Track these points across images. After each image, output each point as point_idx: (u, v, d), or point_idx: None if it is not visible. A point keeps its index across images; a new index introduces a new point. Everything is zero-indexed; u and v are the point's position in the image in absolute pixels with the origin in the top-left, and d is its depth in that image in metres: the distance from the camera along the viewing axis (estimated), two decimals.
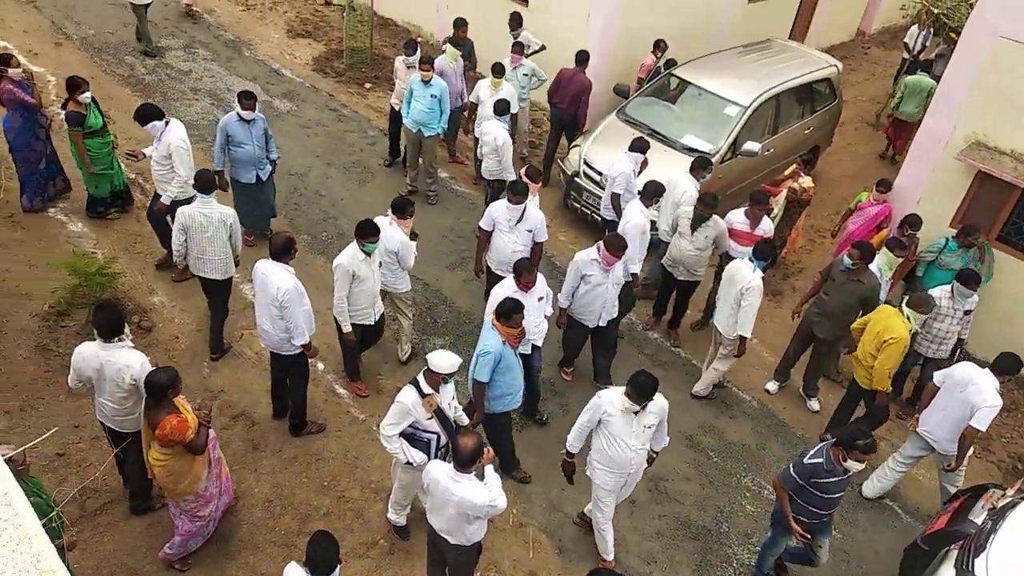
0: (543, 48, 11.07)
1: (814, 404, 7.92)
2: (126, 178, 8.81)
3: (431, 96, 9.18)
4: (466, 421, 5.71)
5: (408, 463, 5.31)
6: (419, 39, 13.82)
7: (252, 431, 6.69)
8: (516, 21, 10.86)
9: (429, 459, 5.26)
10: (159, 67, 11.79)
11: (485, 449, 4.70)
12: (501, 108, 8.82)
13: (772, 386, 8.04)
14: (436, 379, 5.18)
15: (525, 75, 10.24)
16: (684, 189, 8.06)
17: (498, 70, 9.34)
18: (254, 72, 12.18)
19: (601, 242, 6.71)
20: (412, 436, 5.32)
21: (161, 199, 7.45)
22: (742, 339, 7.06)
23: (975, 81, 8.05)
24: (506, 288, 6.26)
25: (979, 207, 8.39)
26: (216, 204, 6.63)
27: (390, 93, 12.11)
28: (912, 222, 8.07)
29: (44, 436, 4.34)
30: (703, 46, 11.76)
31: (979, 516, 5.72)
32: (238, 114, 7.80)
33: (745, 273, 6.95)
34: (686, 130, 9.83)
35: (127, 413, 5.29)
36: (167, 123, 7.31)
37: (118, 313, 5.24)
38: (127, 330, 5.22)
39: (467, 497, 4.53)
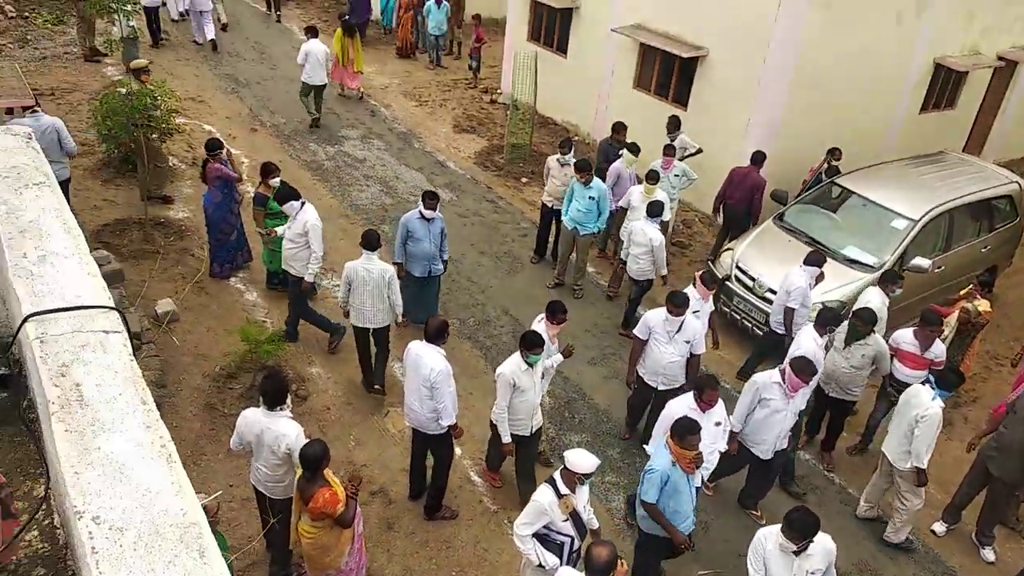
0: (699, 151, 11.15)
1: (988, 554, 7.08)
2: None
3: (589, 198, 9.39)
4: (596, 525, 5.58)
5: (540, 565, 5.19)
6: (575, 138, 14.34)
7: (388, 509, 6.82)
8: (674, 124, 11.05)
9: (561, 563, 5.14)
10: (338, 154, 12.87)
11: (620, 561, 4.53)
12: (655, 210, 8.89)
13: (940, 528, 7.29)
14: (573, 479, 5.11)
15: (676, 176, 10.33)
16: (868, 299, 7.71)
17: (652, 177, 9.47)
18: (421, 163, 13.02)
19: (788, 365, 6.31)
20: (545, 537, 5.21)
21: (305, 279, 8.02)
22: (919, 471, 6.47)
23: None
24: (683, 405, 6.07)
25: None
26: (377, 260, 7.38)
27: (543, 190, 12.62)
28: None
29: (212, 496, 4.61)
30: (869, 156, 11.43)
31: None
32: (420, 212, 8.19)
33: (924, 399, 6.43)
34: (848, 241, 9.46)
35: (279, 480, 5.50)
36: (302, 204, 7.94)
37: (283, 383, 5.53)
38: (289, 400, 5.54)
39: None
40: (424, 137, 14.02)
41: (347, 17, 15.21)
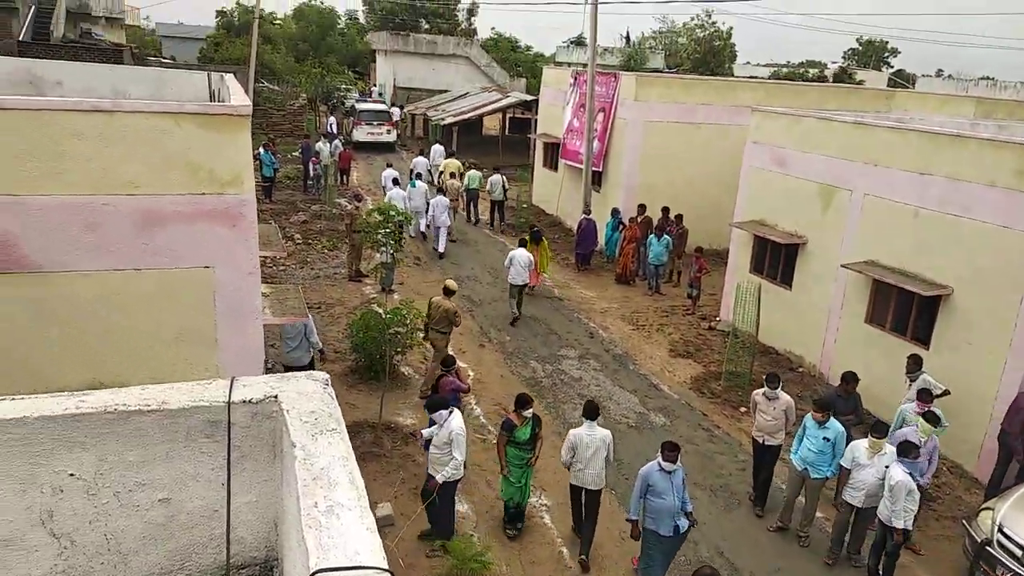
0: (946, 393, 10.19)
1: None
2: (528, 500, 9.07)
3: (824, 439, 8.78)
4: None
5: None
6: (800, 369, 13.78)
7: None
8: (915, 363, 10.33)
9: None
10: (555, 372, 13.38)
11: None
12: (905, 449, 8.10)
13: None
14: None
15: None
16: None
17: (879, 430, 8.55)
18: (635, 385, 13.12)
19: None
20: None
21: (436, 478, 8.26)
22: None
23: None
24: None
25: None
26: (598, 427, 8.43)
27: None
28: None
29: None
30: None
31: None
32: (659, 464, 7.69)
33: None
34: None
35: None
36: (451, 412, 8.27)
37: None
38: None
39: None
40: (639, 360, 14.22)
41: (534, 228, 17.79)
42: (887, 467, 8.14)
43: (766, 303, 13.47)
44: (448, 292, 12.42)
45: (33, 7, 27.94)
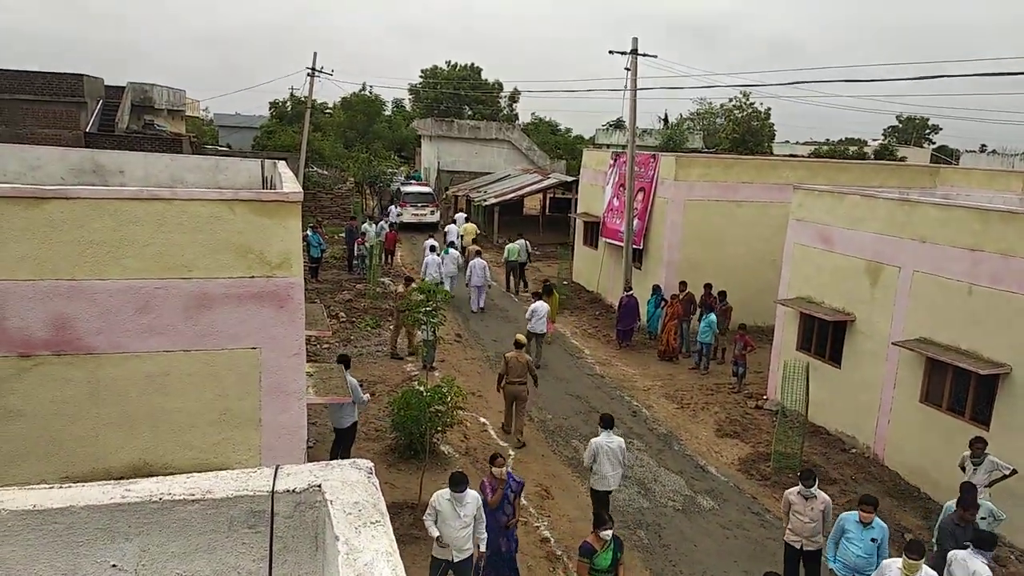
0: (1014, 472, 9.72)
1: None
2: None
3: (872, 540, 8.19)
4: None
5: None
6: (853, 451, 13.29)
7: None
8: (981, 445, 9.92)
9: None
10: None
11: None
12: (985, 541, 7.66)
13: None
14: None
15: (982, 518, 8.91)
16: None
17: (914, 550, 7.29)
18: (681, 466, 12.76)
19: None
20: None
21: (480, 548, 8.30)
22: None
23: None
24: None
25: None
26: (615, 436, 10.17)
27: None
28: None
29: None
30: None
31: None
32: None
33: None
34: None
35: None
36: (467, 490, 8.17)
37: None
38: None
39: None
40: (684, 440, 13.88)
41: (547, 282, 19.91)
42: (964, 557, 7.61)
43: (815, 381, 13.13)
44: (519, 345, 13.67)
45: (100, 101, 29.71)
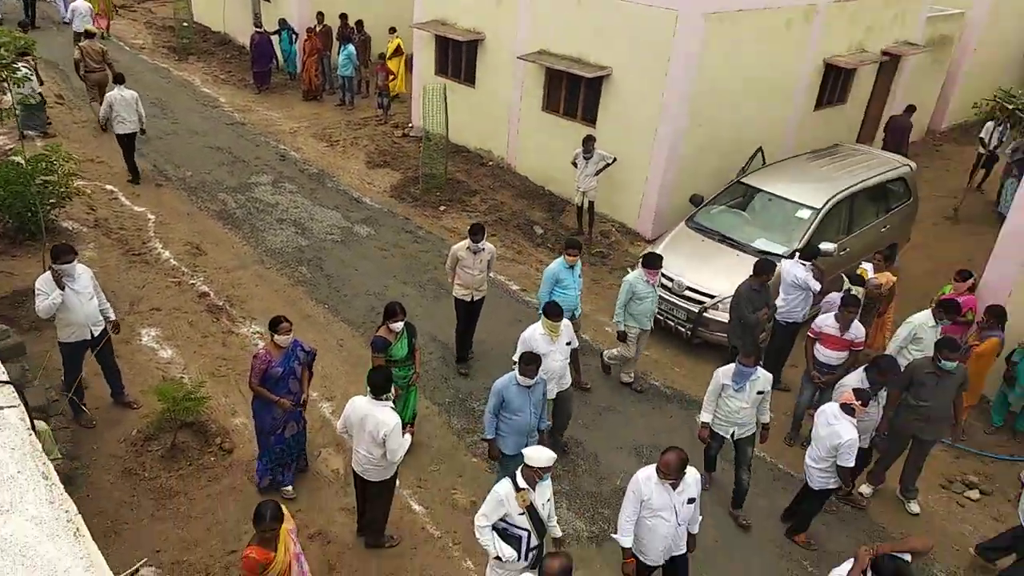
0: (615, 160, 11.43)
1: (914, 507, 7.43)
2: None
3: (579, 276, 8.36)
4: (559, 533, 5.70)
5: (497, 557, 5.27)
6: (490, 163, 14.45)
7: (328, 550, 6.60)
8: (591, 142, 11.37)
9: (519, 557, 5.29)
10: (248, 201, 12.64)
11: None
12: (810, 252, 8.71)
13: (867, 490, 7.54)
14: (532, 475, 5.21)
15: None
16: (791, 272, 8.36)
17: (552, 312, 7.13)
18: (336, 201, 12.91)
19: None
20: (504, 531, 5.31)
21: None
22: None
23: None
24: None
25: None
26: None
27: (463, 214, 12.69)
28: (996, 314, 7.91)
29: (135, 567, 4.41)
30: (771, 154, 11.88)
31: None
32: (517, 380, 6.38)
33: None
34: (758, 235, 9.79)
35: (376, 464, 6.04)
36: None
37: (388, 375, 6.06)
38: (392, 391, 6.10)
39: None
40: (337, 176, 13.92)
41: None
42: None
43: (454, 103, 13.65)
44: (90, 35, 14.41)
45: None
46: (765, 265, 8.08)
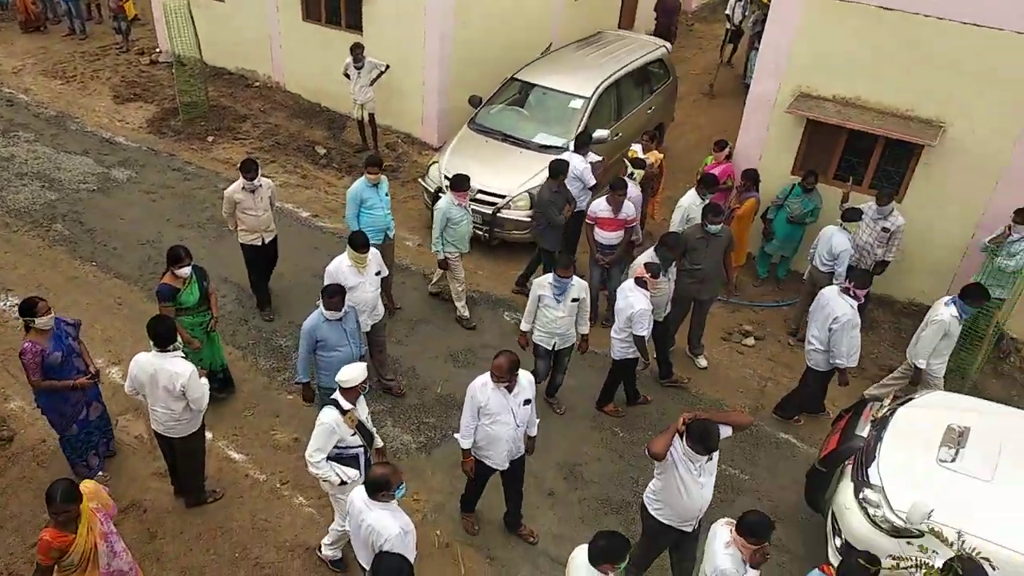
0: (388, 67, 11.08)
1: (702, 361, 8.27)
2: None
3: (386, 194, 8.09)
4: (381, 443, 5.75)
5: (343, 483, 5.25)
6: (257, 84, 13.47)
7: (146, 519, 6.24)
8: (359, 50, 10.87)
9: (361, 473, 5.32)
10: None
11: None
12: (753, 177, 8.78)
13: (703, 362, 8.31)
14: (353, 394, 5.23)
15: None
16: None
17: (359, 244, 6.90)
18: (85, 145, 11.49)
19: None
20: (340, 456, 5.30)
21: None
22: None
23: (792, 40, 8.60)
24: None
25: (814, 152, 8.97)
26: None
27: (235, 143, 11.81)
28: (751, 177, 8.70)
29: None
30: (539, 47, 12.06)
31: (864, 430, 6.09)
32: (325, 316, 6.07)
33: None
34: (537, 130, 10.04)
35: (178, 419, 5.69)
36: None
37: (171, 324, 5.69)
38: (179, 340, 5.73)
39: (375, 525, 4.48)
40: (81, 117, 12.35)
41: None
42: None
43: (203, 21, 12.39)
44: None
45: None
46: (560, 165, 8.27)
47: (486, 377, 5.47)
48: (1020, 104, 7.74)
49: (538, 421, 5.96)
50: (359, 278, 6.82)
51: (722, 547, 4.44)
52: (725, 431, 4.96)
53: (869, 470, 5.65)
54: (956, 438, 5.73)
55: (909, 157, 8.48)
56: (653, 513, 5.21)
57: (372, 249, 6.96)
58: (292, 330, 8.13)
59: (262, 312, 8.47)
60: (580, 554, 4.30)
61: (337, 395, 5.24)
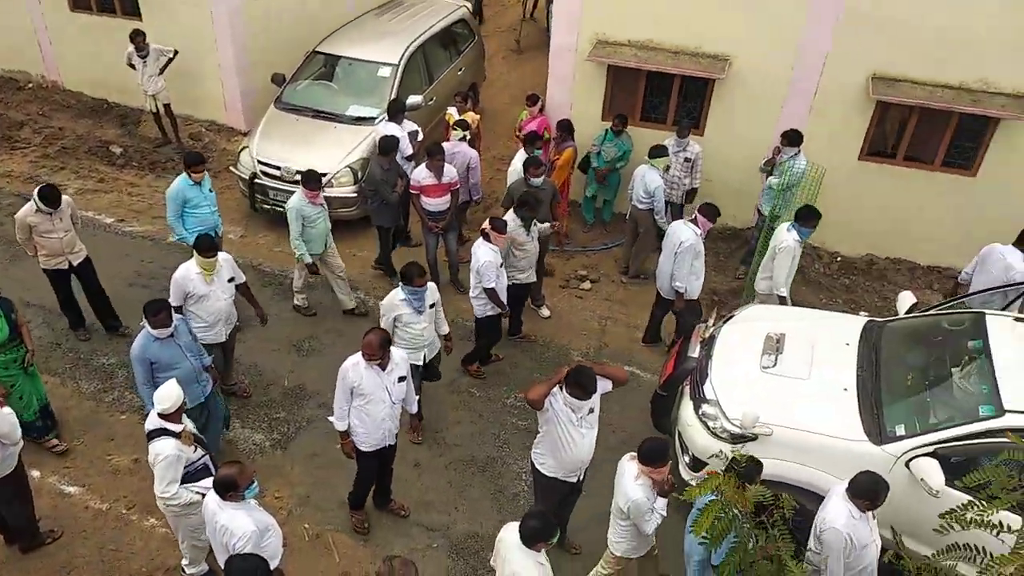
0: (176, 53, 10.34)
1: (544, 311, 8.52)
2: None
3: (210, 191, 7.63)
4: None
5: (201, 495, 4.88)
6: (30, 85, 12.14)
7: None
8: (141, 37, 10.09)
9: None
10: None
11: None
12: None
13: (545, 312, 8.49)
14: (177, 415, 5.00)
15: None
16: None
17: (205, 247, 6.31)
18: None
19: None
20: (189, 474, 5.04)
21: None
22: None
23: None
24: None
25: (620, 97, 9.39)
26: None
27: (15, 154, 10.62)
28: (564, 127, 8.99)
29: None
30: (338, 18, 11.66)
31: (695, 351, 6.57)
32: (153, 335, 5.60)
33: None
34: (349, 102, 9.79)
35: None
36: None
37: None
38: None
39: (228, 525, 4.38)
40: None
41: None
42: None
43: None
44: None
45: None
46: (390, 142, 8.11)
47: (357, 356, 5.32)
48: (791, 37, 8.48)
49: (417, 398, 5.97)
50: (209, 287, 6.30)
51: (631, 480, 4.65)
52: (604, 385, 5.04)
53: (704, 387, 6.08)
54: (775, 345, 6.26)
55: (704, 92, 9.08)
56: (539, 468, 5.30)
57: (223, 253, 6.50)
58: (113, 346, 7.56)
59: (76, 332, 7.76)
60: (509, 535, 4.28)
61: (157, 423, 4.91)
